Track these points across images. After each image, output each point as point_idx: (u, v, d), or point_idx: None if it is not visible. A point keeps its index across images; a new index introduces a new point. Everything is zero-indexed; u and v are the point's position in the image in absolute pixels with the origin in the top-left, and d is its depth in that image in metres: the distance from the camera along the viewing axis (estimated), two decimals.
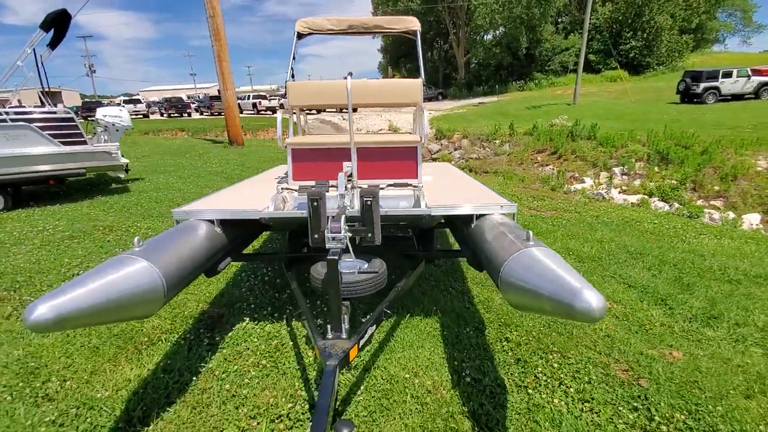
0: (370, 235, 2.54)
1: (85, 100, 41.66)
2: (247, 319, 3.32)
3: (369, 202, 2.55)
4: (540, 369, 2.66)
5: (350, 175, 3.67)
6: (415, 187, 3.05)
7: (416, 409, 2.37)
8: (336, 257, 2.09)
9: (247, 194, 3.40)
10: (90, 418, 2.35)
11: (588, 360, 2.75)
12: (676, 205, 7.29)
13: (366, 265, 2.68)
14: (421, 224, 3.38)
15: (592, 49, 39.24)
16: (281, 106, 33.09)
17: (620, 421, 2.25)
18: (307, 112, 4.37)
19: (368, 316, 2.42)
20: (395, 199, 3.25)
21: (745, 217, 6.71)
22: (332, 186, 3.40)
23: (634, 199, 8.01)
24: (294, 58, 4.20)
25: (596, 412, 2.32)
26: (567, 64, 40.84)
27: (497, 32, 41.06)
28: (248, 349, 2.95)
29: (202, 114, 33.20)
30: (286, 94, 3.95)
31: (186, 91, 58.79)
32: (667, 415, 2.28)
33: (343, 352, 1.97)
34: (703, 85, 21.42)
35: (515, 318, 3.29)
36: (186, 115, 32.54)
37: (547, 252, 1.97)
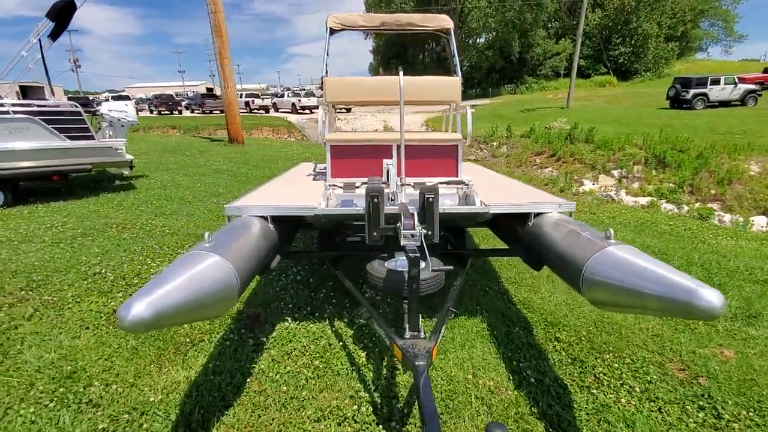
0: (429, 232, 2.49)
1: (69, 96, 40.52)
2: (289, 319, 3.23)
3: (431, 199, 2.50)
4: (599, 369, 2.64)
5: (388, 173, 3.62)
6: (465, 185, 3.01)
7: (484, 410, 2.32)
8: (417, 255, 2.03)
9: (286, 192, 3.32)
10: (145, 423, 2.24)
11: (643, 359, 2.75)
12: (686, 207, 7.41)
13: (422, 263, 2.63)
14: (467, 223, 3.35)
15: (581, 55, 39.89)
16: (307, 109, 32.36)
17: (690, 420, 2.25)
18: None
19: (438, 316, 2.37)
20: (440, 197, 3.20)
21: (753, 219, 6.86)
22: (362, 184, 3.35)
23: (644, 201, 8.12)
24: (327, 54, 4.13)
25: (664, 412, 2.31)
26: (558, 68, 41.45)
27: (490, 36, 41.44)
28: (296, 349, 2.87)
29: (193, 112, 32.66)
30: (322, 88, 3.89)
31: (174, 89, 57.74)
32: (734, 413, 2.28)
33: (427, 352, 1.92)
34: (692, 92, 21.97)
35: (560, 317, 3.28)
36: (176, 112, 31.96)
37: (632, 250, 1.95)
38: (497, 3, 37.93)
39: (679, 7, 42.70)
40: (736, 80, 22.31)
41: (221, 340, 2.99)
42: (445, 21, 4.32)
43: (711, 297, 1.45)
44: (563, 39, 42.98)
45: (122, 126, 7.36)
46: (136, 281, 3.80)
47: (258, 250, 2.33)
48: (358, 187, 3.14)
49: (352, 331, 3.09)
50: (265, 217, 2.65)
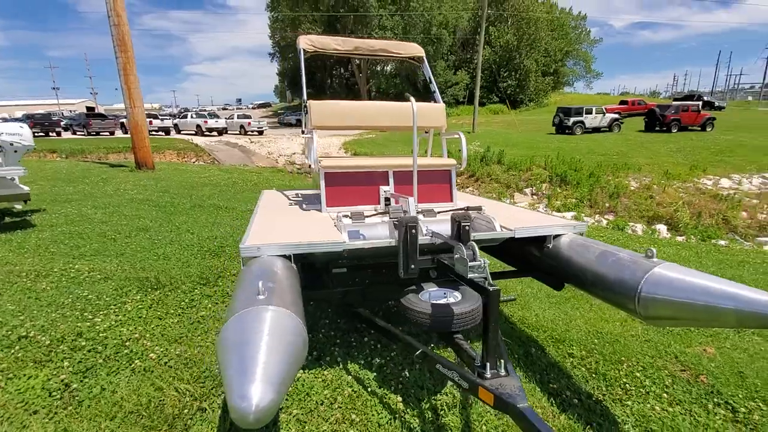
0: None
1: None
2: None
3: (467, 227, 2.44)
4: (623, 380, 2.78)
5: (387, 200, 3.49)
6: (478, 210, 3.01)
7: None
8: (498, 288, 1.94)
9: (287, 227, 2.97)
10: None
11: (651, 365, 2.96)
12: (604, 220, 8.41)
13: (458, 294, 2.54)
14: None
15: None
16: (215, 131, 29.14)
17: (716, 418, 2.46)
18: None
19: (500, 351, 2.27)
20: (439, 224, 3.12)
21: (658, 227, 8.04)
22: (375, 213, 3.18)
23: (569, 215, 9.02)
24: (304, 76, 3.91)
25: (693, 413, 2.49)
26: (458, 96, 45.16)
27: (396, 63, 43.68)
28: (321, 403, 2.53)
29: (75, 133, 28.48)
30: (306, 112, 3.64)
31: (46, 107, 49.99)
32: (747, 405, 2.55)
33: (521, 391, 1.81)
34: (572, 119, 25.54)
35: (562, 333, 3.41)
36: (53, 134, 27.57)
37: (679, 267, 2.10)
38: (402, 34, 40.34)
39: (550, 47, 49.79)
40: (604, 110, 26.53)
41: (223, 404, 2.52)
42: (416, 50, 4.40)
43: None
44: (460, 70, 47.13)
45: (15, 152, 6.06)
46: (83, 344, 3.06)
47: (297, 293, 2.04)
48: (368, 216, 2.96)
49: (374, 374, 2.84)
50: (288, 256, 2.34)
